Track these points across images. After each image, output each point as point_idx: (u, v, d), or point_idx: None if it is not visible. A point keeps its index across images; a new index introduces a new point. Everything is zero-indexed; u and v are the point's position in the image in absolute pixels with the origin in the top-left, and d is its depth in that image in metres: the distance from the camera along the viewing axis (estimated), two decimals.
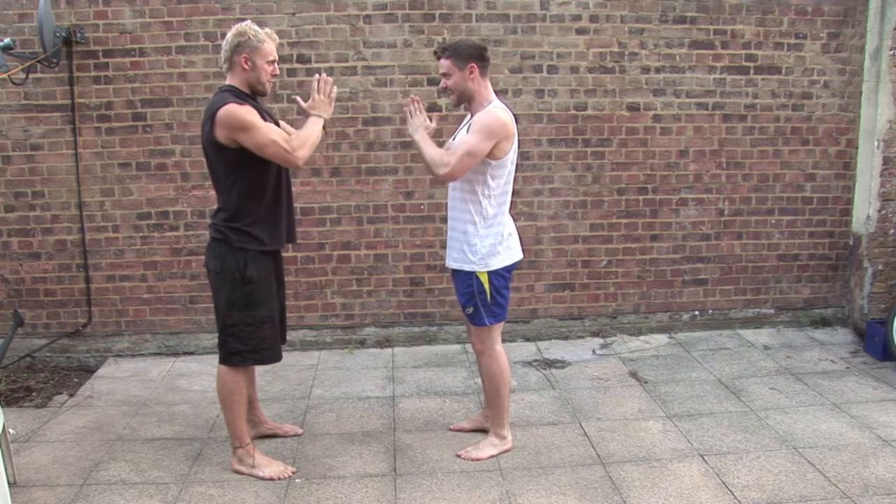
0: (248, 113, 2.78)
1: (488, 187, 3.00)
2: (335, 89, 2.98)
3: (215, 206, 3.06)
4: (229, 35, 2.90)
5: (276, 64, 2.98)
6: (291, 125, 3.23)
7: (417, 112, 3.10)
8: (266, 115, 2.95)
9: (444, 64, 2.99)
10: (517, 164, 3.15)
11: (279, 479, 3.04)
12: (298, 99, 3.04)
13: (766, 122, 4.65)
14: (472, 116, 3.05)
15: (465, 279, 3.10)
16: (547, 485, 2.98)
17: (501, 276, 3.10)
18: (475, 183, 3.00)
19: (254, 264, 2.93)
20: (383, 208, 4.55)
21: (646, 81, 4.54)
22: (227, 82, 2.95)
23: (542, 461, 3.18)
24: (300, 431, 3.49)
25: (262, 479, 3.04)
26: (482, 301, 3.08)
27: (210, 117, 2.81)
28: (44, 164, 4.36)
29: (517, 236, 3.21)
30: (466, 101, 3.05)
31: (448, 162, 2.91)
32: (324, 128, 2.96)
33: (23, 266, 4.45)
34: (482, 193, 3.01)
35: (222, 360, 3.02)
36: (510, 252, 3.13)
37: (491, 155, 2.94)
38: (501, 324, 3.20)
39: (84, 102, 4.32)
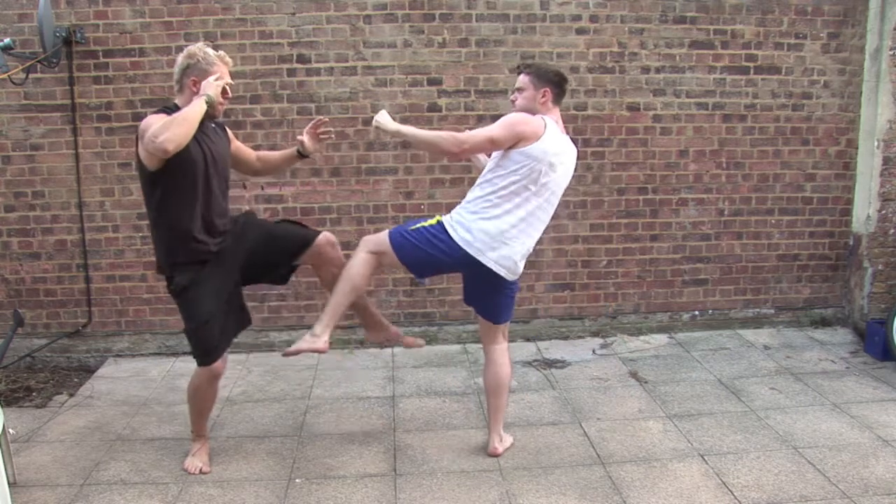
0: (156, 119, 2.69)
1: (494, 175, 2.92)
2: (226, 88, 2.88)
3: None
4: (180, 57, 2.86)
5: (229, 87, 2.90)
6: (287, 133, 3.22)
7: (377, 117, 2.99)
8: (208, 138, 2.87)
9: (523, 80, 2.99)
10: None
11: (190, 471, 3.10)
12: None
13: (766, 122, 4.65)
14: None
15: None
16: (547, 485, 2.98)
17: (437, 232, 2.92)
18: (489, 169, 2.95)
19: (178, 272, 2.92)
20: (383, 208, 4.54)
21: (646, 81, 4.54)
22: (174, 102, 2.89)
23: (542, 461, 3.18)
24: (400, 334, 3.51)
25: (185, 467, 3.13)
26: (415, 222, 3.00)
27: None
28: (44, 164, 4.36)
29: (509, 258, 2.96)
30: None
31: (459, 137, 2.88)
32: (209, 104, 2.77)
33: (23, 266, 4.45)
34: (486, 179, 2.94)
35: None
36: (466, 241, 2.89)
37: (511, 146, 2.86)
38: (386, 242, 2.96)
39: (84, 102, 4.31)
